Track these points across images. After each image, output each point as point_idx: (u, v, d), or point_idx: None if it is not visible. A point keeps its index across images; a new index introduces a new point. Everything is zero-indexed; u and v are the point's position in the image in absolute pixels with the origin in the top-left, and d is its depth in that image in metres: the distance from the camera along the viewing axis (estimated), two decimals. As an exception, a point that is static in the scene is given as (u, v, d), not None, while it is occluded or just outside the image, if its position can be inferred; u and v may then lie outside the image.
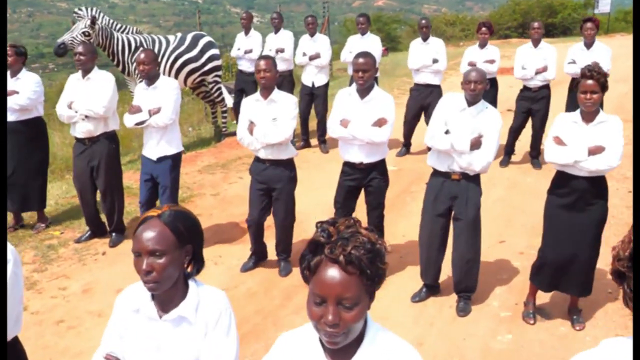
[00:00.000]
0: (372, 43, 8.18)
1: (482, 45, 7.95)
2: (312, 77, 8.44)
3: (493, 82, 7.87)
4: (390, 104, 4.51)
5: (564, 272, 4.16)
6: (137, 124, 5.10)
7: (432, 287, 4.69)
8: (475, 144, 4.10)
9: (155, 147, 5.18)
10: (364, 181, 4.69)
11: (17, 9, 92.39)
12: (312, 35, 8.44)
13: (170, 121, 5.09)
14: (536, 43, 7.49)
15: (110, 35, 7.92)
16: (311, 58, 8.33)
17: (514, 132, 7.83)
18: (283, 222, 5.01)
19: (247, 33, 9.12)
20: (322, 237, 1.49)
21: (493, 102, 7.92)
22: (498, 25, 31.26)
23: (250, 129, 4.72)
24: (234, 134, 9.77)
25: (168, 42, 8.56)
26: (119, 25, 8.22)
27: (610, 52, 7.27)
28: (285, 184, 4.87)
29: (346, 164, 4.74)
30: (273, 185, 4.87)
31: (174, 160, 5.25)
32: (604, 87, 3.84)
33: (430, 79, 8.04)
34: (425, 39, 8.03)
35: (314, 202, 6.59)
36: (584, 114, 3.95)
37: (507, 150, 7.96)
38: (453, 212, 4.36)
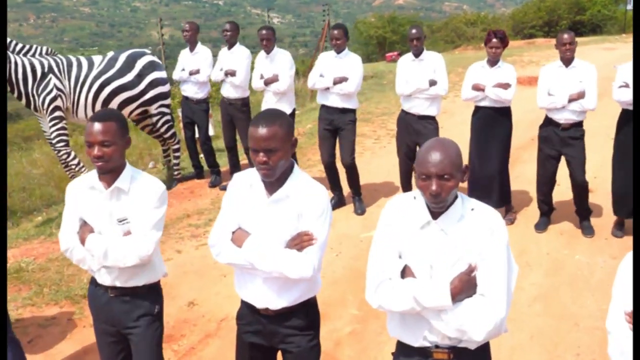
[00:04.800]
0: (350, 65, 5.89)
1: (493, 62, 5.59)
2: (272, 105, 6.20)
3: (506, 113, 5.66)
4: (318, 204, 2.38)
5: None
6: None
7: None
8: (462, 288, 2.08)
9: None
10: (275, 339, 2.56)
11: (41, 14, 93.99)
12: (268, 52, 6.28)
13: None
14: (568, 62, 5.25)
15: (6, 60, 5.91)
16: (267, 82, 6.23)
17: (544, 187, 5.55)
18: None
19: (192, 49, 7.04)
20: None
21: (508, 137, 5.70)
22: (522, 24, 29.09)
23: (82, 238, 2.69)
24: (189, 178, 7.74)
25: (91, 64, 6.51)
26: (19, 46, 6.17)
27: None
28: (144, 328, 2.81)
29: (244, 305, 2.61)
30: (123, 329, 2.83)
31: None
32: None
33: (424, 108, 5.73)
34: (417, 55, 5.72)
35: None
36: None
37: (543, 211, 5.68)
38: None
